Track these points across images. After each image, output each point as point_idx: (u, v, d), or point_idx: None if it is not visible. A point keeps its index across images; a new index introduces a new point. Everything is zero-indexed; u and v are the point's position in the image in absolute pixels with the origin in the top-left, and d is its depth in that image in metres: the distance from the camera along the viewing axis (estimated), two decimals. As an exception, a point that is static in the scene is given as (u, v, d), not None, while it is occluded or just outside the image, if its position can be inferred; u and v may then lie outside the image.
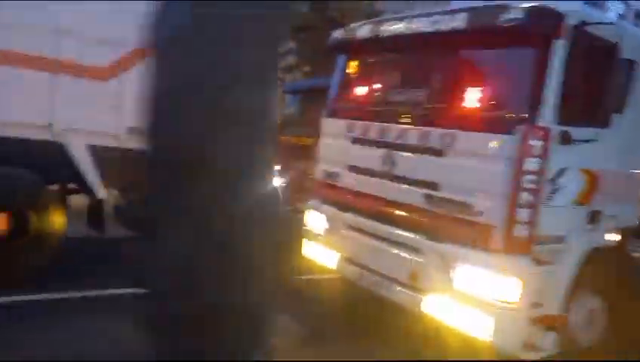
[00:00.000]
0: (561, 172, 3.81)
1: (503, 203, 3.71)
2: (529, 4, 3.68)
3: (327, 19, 11.59)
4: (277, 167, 8.68)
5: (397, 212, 4.41)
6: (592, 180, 4.12)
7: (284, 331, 4.62)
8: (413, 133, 4.28)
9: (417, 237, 4.22)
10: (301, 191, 8.10)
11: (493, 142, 3.77)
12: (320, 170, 5.28)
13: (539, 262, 3.80)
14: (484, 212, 3.80)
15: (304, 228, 5.44)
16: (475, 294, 3.83)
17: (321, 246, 5.19)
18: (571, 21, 3.67)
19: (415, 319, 4.45)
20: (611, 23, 4.00)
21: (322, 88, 8.39)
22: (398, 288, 4.36)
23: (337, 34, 5.12)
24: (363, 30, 4.73)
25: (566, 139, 3.77)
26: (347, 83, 5.17)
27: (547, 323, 3.84)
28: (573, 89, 3.71)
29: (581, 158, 3.99)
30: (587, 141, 3.83)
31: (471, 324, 3.85)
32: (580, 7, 3.79)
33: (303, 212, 8.16)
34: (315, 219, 5.29)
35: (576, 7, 3.78)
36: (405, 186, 4.33)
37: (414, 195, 4.25)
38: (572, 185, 3.93)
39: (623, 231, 4.56)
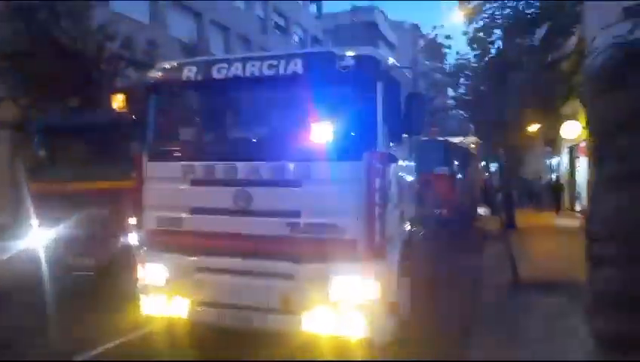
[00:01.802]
0: (389, 184, 4.71)
1: (361, 219, 4.37)
2: (354, 52, 4.43)
3: (51, 44, 9.96)
4: (35, 223, 7.31)
5: (258, 244, 4.56)
6: (401, 188, 5.22)
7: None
8: (266, 169, 4.50)
9: (285, 263, 4.50)
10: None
11: (345, 169, 4.38)
12: (152, 217, 4.88)
13: (384, 261, 4.62)
14: (346, 229, 4.38)
15: (139, 283, 4.94)
16: (347, 300, 4.39)
17: (165, 298, 4.86)
18: (384, 66, 4.59)
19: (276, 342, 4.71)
20: (402, 67, 5.14)
21: (83, 126, 7.54)
22: (271, 316, 4.54)
23: (156, 74, 4.81)
24: (190, 71, 4.62)
25: (393, 159, 4.70)
26: (171, 124, 4.93)
27: (391, 309, 4.72)
28: (388, 118, 4.64)
29: (396, 172, 5.01)
30: (404, 159, 4.85)
31: (347, 328, 4.40)
32: (382, 53, 4.73)
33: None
34: (152, 271, 4.88)
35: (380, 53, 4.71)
36: (265, 219, 4.52)
37: (276, 226, 4.49)
38: (393, 194, 4.90)
39: (410, 221, 5.90)
